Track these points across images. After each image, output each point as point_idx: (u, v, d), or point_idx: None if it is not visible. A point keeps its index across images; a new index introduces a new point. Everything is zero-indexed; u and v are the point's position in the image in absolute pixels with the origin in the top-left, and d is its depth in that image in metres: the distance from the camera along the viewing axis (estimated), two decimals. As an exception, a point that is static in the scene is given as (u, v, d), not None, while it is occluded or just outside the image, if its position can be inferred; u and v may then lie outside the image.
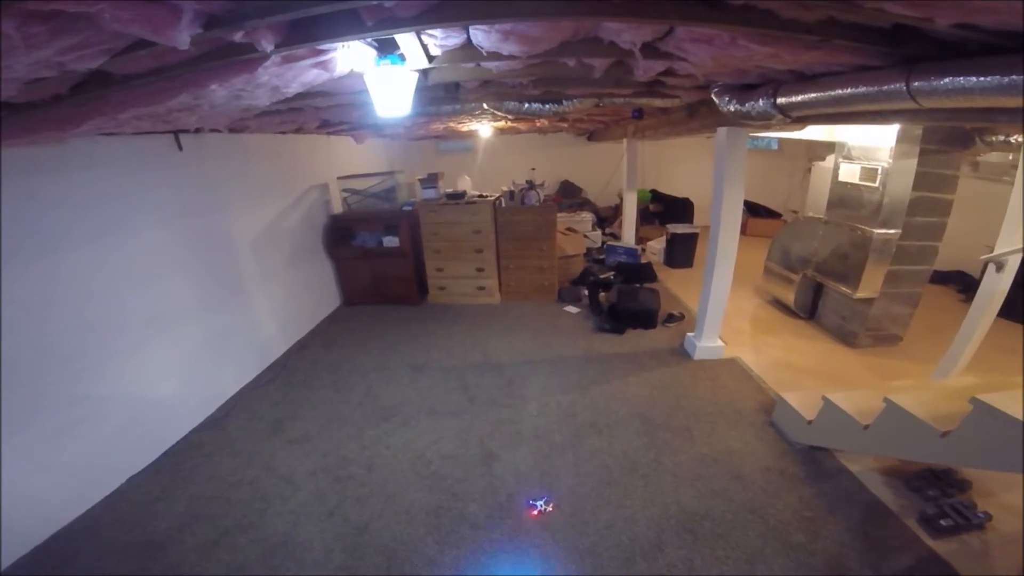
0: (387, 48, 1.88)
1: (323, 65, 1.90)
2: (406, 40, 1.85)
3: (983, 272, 2.97)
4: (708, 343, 4.08)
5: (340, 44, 1.75)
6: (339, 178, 5.70)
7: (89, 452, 2.72)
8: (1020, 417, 1.70)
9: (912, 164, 3.69)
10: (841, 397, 2.62)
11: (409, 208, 5.67)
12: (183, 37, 1.18)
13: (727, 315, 4.11)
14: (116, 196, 2.94)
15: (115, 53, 1.35)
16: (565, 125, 6.44)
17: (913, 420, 2.13)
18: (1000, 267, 2.82)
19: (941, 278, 5.65)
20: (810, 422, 2.79)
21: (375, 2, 1.25)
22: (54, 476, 2.55)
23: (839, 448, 2.80)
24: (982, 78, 1.36)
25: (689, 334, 4.31)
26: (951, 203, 3.85)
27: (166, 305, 3.29)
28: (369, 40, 1.77)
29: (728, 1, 1.25)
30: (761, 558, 2.21)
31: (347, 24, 1.49)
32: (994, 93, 1.36)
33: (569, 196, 9.03)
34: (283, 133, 4.59)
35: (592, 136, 8.31)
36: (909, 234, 3.86)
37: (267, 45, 1.47)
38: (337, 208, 5.76)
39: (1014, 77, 1.28)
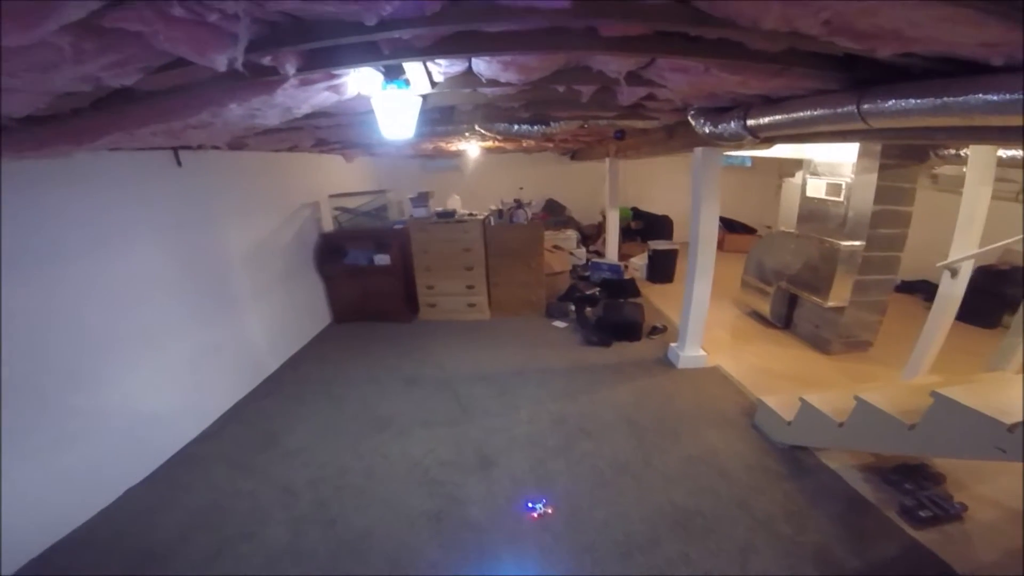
0: (394, 73, 2.02)
1: (335, 88, 2.04)
2: (412, 66, 2.00)
3: (941, 279, 3.22)
4: (691, 352, 4.26)
5: (352, 69, 1.89)
6: (330, 196, 5.80)
7: (86, 464, 2.73)
8: (977, 407, 1.88)
9: (873, 179, 3.98)
10: (817, 398, 2.81)
11: (400, 226, 5.79)
12: (223, 59, 1.31)
13: (708, 326, 4.30)
14: (115, 210, 3.01)
15: (151, 71, 1.45)
16: (551, 145, 6.69)
17: (882, 415, 2.31)
18: (954, 273, 3.07)
19: (908, 287, 5.98)
20: (789, 423, 2.97)
21: (396, 35, 1.39)
22: (52, 487, 2.55)
23: (818, 446, 2.97)
24: (920, 100, 1.57)
25: (672, 345, 4.49)
26: (910, 215, 4.15)
27: (162, 319, 3.33)
28: (378, 66, 1.92)
29: (704, 35, 1.44)
30: (752, 549, 2.34)
31: (365, 52, 1.63)
32: (930, 113, 1.56)
33: (554, 214, 9.27)
34: (277, 151, 4.71)
35: (575, 155, 8.59)
36: (873, 245, 4.13)
37: (290, 68, 1.61)
38: (328, 226, 5.86)
39: (946, 99, 1.49)
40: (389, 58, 1.67)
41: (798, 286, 4.72)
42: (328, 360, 4.85)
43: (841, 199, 4.16)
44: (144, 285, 3.20)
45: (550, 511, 2.66)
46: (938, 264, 3.17)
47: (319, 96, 2.11)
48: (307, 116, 2.68)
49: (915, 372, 3.36)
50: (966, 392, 2.01)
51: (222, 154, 3.94)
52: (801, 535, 2.41)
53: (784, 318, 5.08)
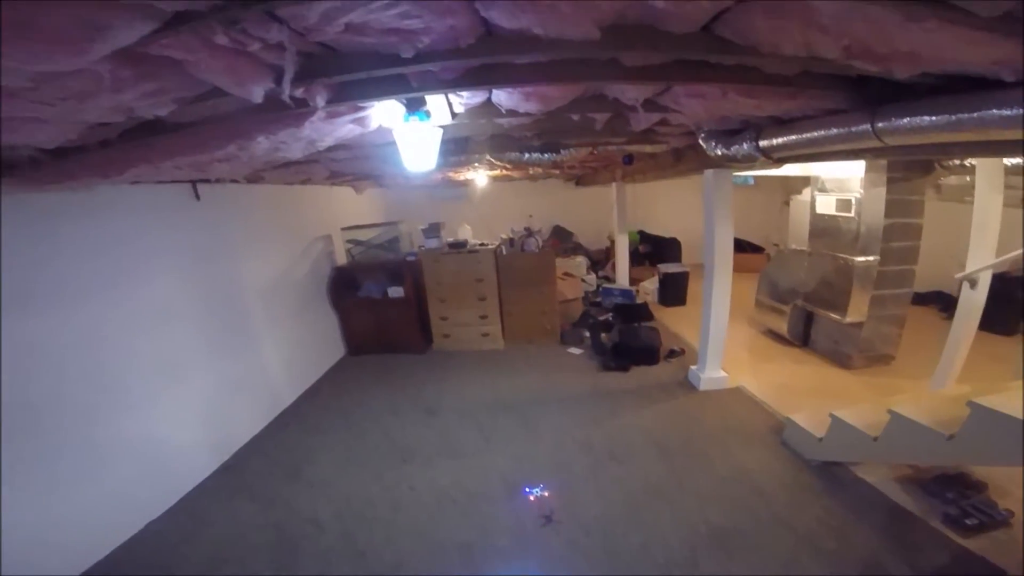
0: (415, 105, 2.07)
1: (359, 121, 2.10)
2: (434, 98, 2.06)
3: (959, 290, 3.21)
4: (712, 374, 4.23)
5: (377, 101, 1.95)
6: (343, 229, 5.89)
7: (107, 496, 2.72)
8: (1016, 415, 1.87)
9: (881, 192, 4.01)
10: (847, 413, 2.78)
11: (412, 258, 5.85)
12: (260, 91, 1.35)
13: (726, 347, 4.27)
14: (134, 243, 3.07)
15: (185, 102, 1.48)
16: (558, 172, 6.79)
17: (919, 427, 2.28)
18: (973, 284, 3.07)
19: (922, 299, 5.95)
20: (820, 439, 2.93)
21: (428, 67, 1.45)
22: (73, 520, 2.53)
23: (853, 460, 2.92)
24: (935, 117, 1.61)
25: (692, 367, 4.46)
26: (921, 227, 4.17)
27: (180, 351, 3.37)
28: (401, 98, 1.97)
29: (722, 61, 1.49)
30: (796, 565, 2.30)
31: (392, 84, 1.68)
32: (945, 129, 1.60)
33: (561, 240, 9.34)
34: (290, 184, 4.82)
35: (580, 181, 8.69)
36: (887, 259, 4.13)
37: (320, 101, 1.65)
38: (341, 259, 5.93)
39: (960, 115, 1.53)
40: (416, 90, 1.72)
41: (814, 303, 4.71)
42: (345, 392, 4.84)
43: (852, 214, 4.19)
44: (163, 317, 3.24)
45: (547, 495, 2.83)
46: (957, 276, 3.17)
47: (343, 129, 2.17)
48: (327, 149, 2.76)
49: (943, 382, 3.33)
50: (1003, 401, 1.99)
51: (239, 187, 4.02)
52: (846, 549, 2.37)
53: (802, 335, 5.04)
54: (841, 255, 4.30)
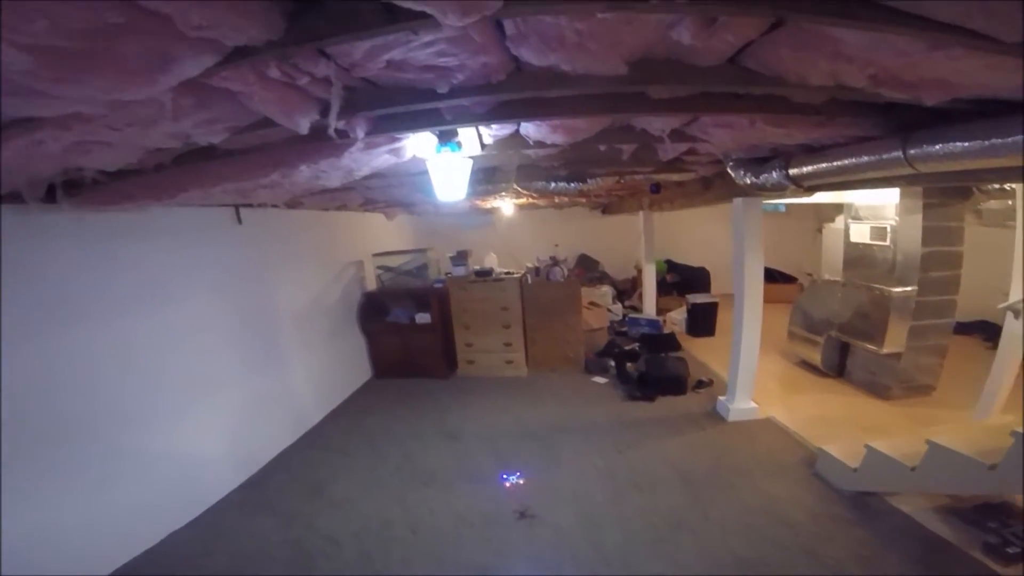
0: (447, 136, 2.16)
1: (395, 151, 2.20)
2: (465, 129, 2.14)
3: (1003, 319, 3.09)
4: (741, 405, 4.12)
5: (412, 133, 2.04)
6: (374, 255, 6.05)
7: (132, 504, 2.78)
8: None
9: (918, 220, 3.91)
10: (884, 444, 2.68)
11: (439, 285, 5.95)
12: (306, 122, 1.44)
13: (757, 378, 4.17)
14: (179, 263, 3.25)
15: (236, 131, 1.58)
16: (584, 200, 6.85)
17: (959, 457, 2.20)
18: (1018, 314, 2.95)
19: (965, 328, 5.71)
20: (855, 469, 2.82)
21: (463, 102, 1.52)
22: (97, 525, 2.60)
23: (889, 490, 2.81)
24: (968, 143, 1.59)
25: (721, 398, 4.35)
26: (961, 255, 4.02)
27: (214, 368, 3.49)
28: (435, 129, 2.06)
29: (750, 92, 1.52)
30: None
31: (427, 117, 1.77)
32: (979, 155, 1.58)
33: (587, 269, 9.30)
34: (327, 209, 5.00)
35: (606, 209, 8.71)
36: (926, 289, 3.99)
37: (360, 132, 1.74)
38: (371, 284, 6.07)
39: (994, 140, 1.51)
40: (449, 123, 1.80)
41: (850, 334, 4.57)
42: (370, 414, 4.89)
43: (887, 243, 4.09)
44: (201, 335, 3.39)
45: (522, 482, 2.94)
46: (999, 306, 3.05)
47: (380, 159, 2.27)
48: (363, 177, 2.88)
49: (986, 413, 3.19)
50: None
51: (278, 212, 4.21)
52: (879, 579, 2.25)
53: (837, 366, 4.88)
54: (877, 286, 4.19)
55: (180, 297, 3.24)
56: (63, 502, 2.44)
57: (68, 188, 2.07)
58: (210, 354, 3.48)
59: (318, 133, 1.63)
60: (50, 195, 2.06)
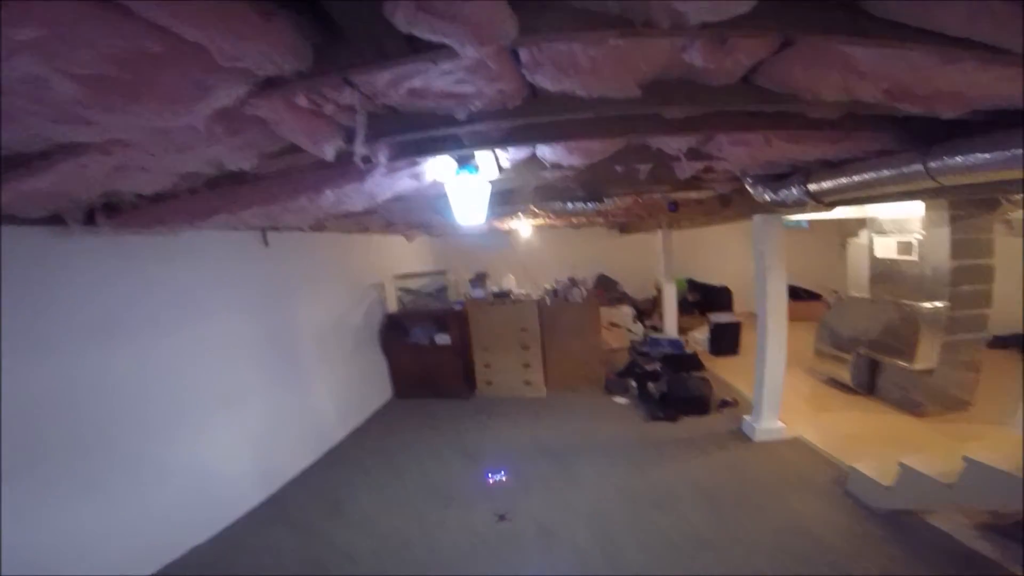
0: (465, 160, 2.22)
1: (416, 175, 2.27)
2: (482, 153, 2.20)
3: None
4: (767, 424, 4.02)
5: (432, 157, 2.10)
6: (395, 277, 6.16)
7: (159, 518, 2.84)
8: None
9: (945, 233, 3.82)
10: (918, 460, 2.60)
11: (459, 306, 6.01)
12: (332, 149, 1.49)
13: (783, 397, 4.08)
14: (209, 283, 3.37)
15: (265, 157, 1.66)
16: (601, 220, 6.87)
17: (997, 473, 2.11)
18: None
19: (1003, 342, 5.54)
20: (888, 487, 2.73)
21: (479, 127, 1.57)
22: (122, 538, 2.63)
23: (924, 508, 2.71)
24: (990, 154, 1.57)
25: (746, 417, 4.25)
26: (992, 268, 3.90)
27: (240, 386, 3.58)
28: (454, 154, 2.12)
29: (764, 109, 1.53)
30: None
31: (446, 142, 1.83)
32: (1003, 166, 1.55)
33: (606, 290, 9.21)
34: (349, 232, 5.12)
35: (624, 228, 8.68)
36: (957, 303, 3.88)
37: (383, 158, 1.80)
38: (392, 306, 6.17)
39: (1016, 150, 1.49)
40: (467, 147, 1.85)
41: (879, 351, 4.45)
42: (391, 433, 4.92)
43: (914, 257, 4.00)
44: (228, 354, 3.49)
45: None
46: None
47: (401, 183, 2.34)
48: (385, 201, 2.95)
49: (1024, 427, 3.04)
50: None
51: (303, 235, 4.33)
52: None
53: (867, 383, 4.73)
54: (906, 302, 4.08)
55: (209, 317, 3.34)
56: (90, 512, 2.49)
57: (107, 211, 2.18)
58: (237, 373, 3.57)
59: (342, 159, 1.68)
60: (90, 218, 2.18)
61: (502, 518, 3.17)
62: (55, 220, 2.14)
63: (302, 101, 1.23)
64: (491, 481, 2.91)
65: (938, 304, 3.88)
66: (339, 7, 0.88)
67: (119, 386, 2.71)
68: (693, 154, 2.18)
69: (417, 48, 0.98)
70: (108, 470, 2.62)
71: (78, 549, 2.42)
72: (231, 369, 3.52)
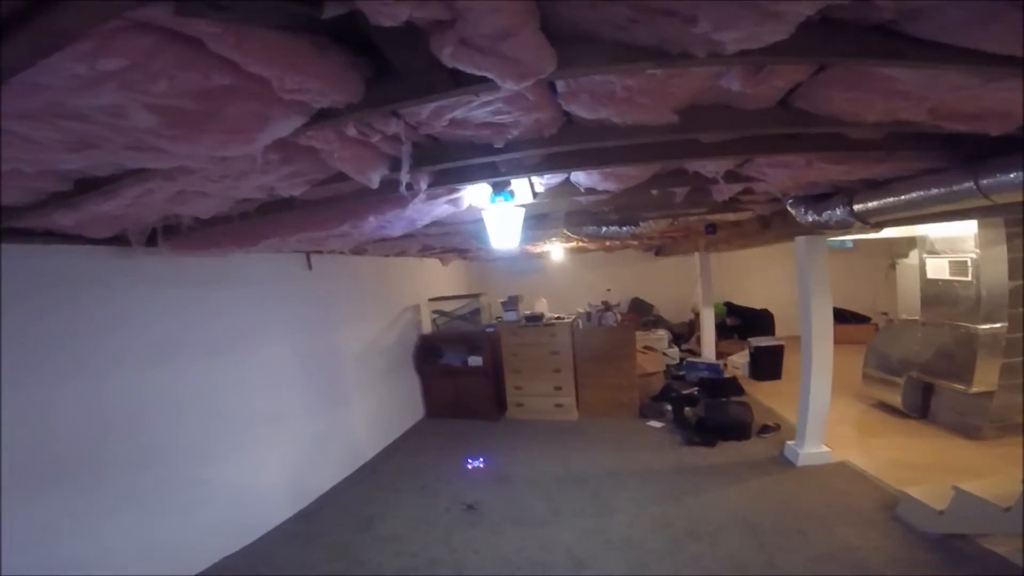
0: (501, 187, 2.27)
1: (453, 202, 2.33)
2: (517, 180, 2.24)
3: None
4: (812, 449, 3.85)
5: (469, 184, 2.16)
6: (430, 300, 6.28)
7: (194, 528, 2.94)
8: None
9: (1002, 251, 3.64)
10: (973, 485, 2.45)
11: (491, 329, 6.05)
12: (377, 177, 1.56)
13: (829, 422, 3.91)
14: (257, 305, 3.54)
15: (314, 184, 1.75)
16: (636, 243, 6.82)
17: None
18: None
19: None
20: (941, 512, 2.58)
21: (516, 155, 1.61)
22: (166, 545, 2.75)
23: (979, 532, 2.54)
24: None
25: (789, 442, 4.08)
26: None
27: (279, 404, 3.69)
28: (490, 180, 2.17)
29: (802, 132, 1.52)
30: None
31: (483, 170, 1.88)
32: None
33: (641, 313, 9.04)
34: (387, 256, 5.26)
35: (660, 251, 8.56)
36: (1018, 325, 3.67)
37: (423, 185, 1.88)
38: (427, 328, 6.26)
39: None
40: (504, 174, 1.91)
41: (933, 374, 4.22)
42: (421, 452, 4.94)
43: (969, 278, 3.80)
44: (270, 373, 3.63)
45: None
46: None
47: (439, 209, 2.41)
48: (423, 226, 3.03)
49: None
50: None
51: (343, 258, 4.49)
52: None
53: (920, 407, 4.48)
54: (961, 324, 3.88)
55: (256, 337, 3.50)
56: (137, 522, 2.61)
57: (166, 233, 2.32)
58: (279, 390, 3.70)
59: (385, 186, 1.77)
60: (151, 240, 2.33)
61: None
62: (118, 241, 2.30)
63: (352, 132, 1.31)
64: (470, 467, 2.93)
65: (996, 326, 3.67)
66: (390, 43, 0.93)
67: (177, 403, 2.87)
68: (731, 176, 2.16)
69: (461, 81, 1.04)
70: (159, 485, 2.74)
71: (127, 554, 2.54)
72: (274, 387, 3.65)
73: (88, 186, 1.45)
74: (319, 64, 0.95)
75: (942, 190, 1.92)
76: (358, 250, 4.12)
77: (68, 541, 2.28)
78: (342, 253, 4.20)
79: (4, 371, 2.08)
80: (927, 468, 3.51)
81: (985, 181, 1.72)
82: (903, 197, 2.13)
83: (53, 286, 2.31)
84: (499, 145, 1.48)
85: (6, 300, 2.10)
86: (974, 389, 3.79)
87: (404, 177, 1.50)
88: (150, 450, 2.71)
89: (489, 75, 0.94)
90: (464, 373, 5.84)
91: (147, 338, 2.73)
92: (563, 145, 1.51)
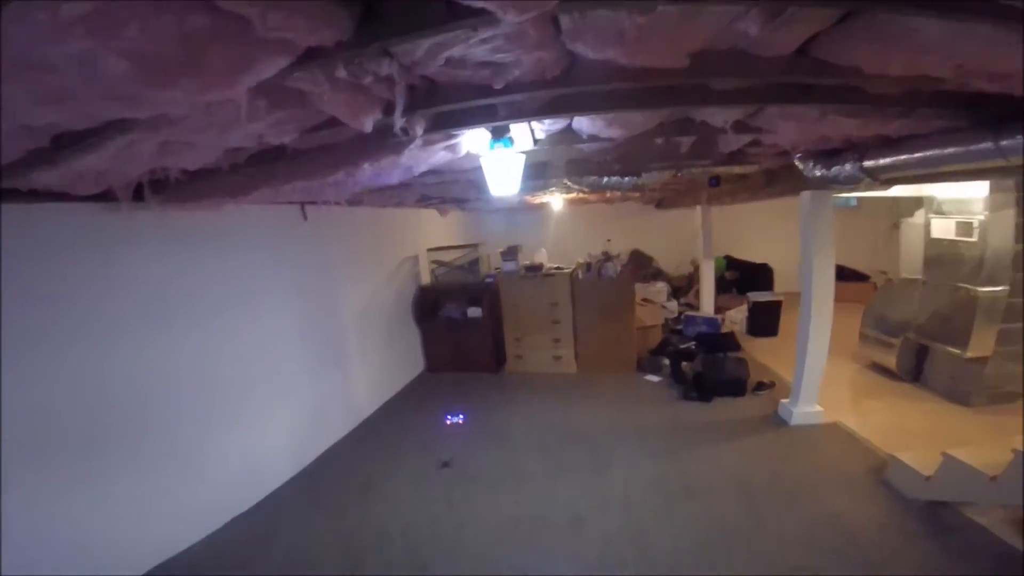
0: (500, 132, 2.18)
1: (451, 148, 2.24)
2: (517, 125, 2.14)
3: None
4: (806, 408, 3.92)
5: (467, 130, 2.07)
6: (429, 250, 6.20)
7: (207, 491, 3.02)
8: None
9: (1011, 215, 3.58)
10: (962, 452, 2.49)
11: (491, 280, 6.02)
12: (371, 121, 1.48)
13: (824, 381, 3.96)
14: (251, 259, 3.46)
15: (305, 131, 1.66)
16: (637, 195, 6.70)
17: None
18: None
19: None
20: (928, 477, 2.64)
21: (514, 98, 1.53)
22: (176, 509, 2.81)
23: (964, 500, 2.61)
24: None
25: (783, 401, 4.15)
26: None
27: (279, 363, 3.69)
28: (489, 126, 2.07)
29: (819, 83, 1.44)
30: None
31: (482, 114, 1.79)
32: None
33: (640, 265, 9.01)
34: (384, 206, 5.16)
35: (661, 203, 8.43)
36: (1019, 290, 3.64)
37: (419, 130, 1.79)
38: (426, 279, 6.23)
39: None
40: (503, 119, 1.81)
41: (929, 336, 4.25)
42: (420, 408, 4.98)
43: (974, 239, 3.75)
44: (269, 331, 3.60)
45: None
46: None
47: (436, 156, 2.32)
48: (420, 174, 2.94)
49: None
50: None
51: (340, 209, 4.35)
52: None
53: (913, 371, 4.54)
54: (962, 285, 3.86)
55: (252, 295, 3.45)
56: (142, 490, 2.65)
57: (154, 187, 2.24)
58: (278, 348, 3.68)
59: (379, 132, 1.68)
60: (137, 194, 2.25)
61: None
62: (105, 197, 2.22)
63: (342, 73, 1.22)
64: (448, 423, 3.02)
65: (997, 289, 3.65)
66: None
67: (176, 366, 2.86)
68: (740, 127, 2.07)
69: (457, 15, 0.96)
70: (161, 451, 2.77)
71: (136, 516, 2.61)
72: (273, 345, 3.63)
73: (69, 141, 1.38)
74: (304, -1, 0.87)
75: (959, 149, 1.85)
76: (355, 200, 4.01)
77: (72, 508, 2.31)
78: (338, 204, 4.10)
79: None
80: (917, 433, 3.58)
81: (1006, 142, 1.65)
82: (917, 155, 2.05)
83: (43, 247, 2.27)
84: (498, 86, 1.39)
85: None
86: (969, 354, 3.81)
87: (399, 121, 1.42)
88: (151, 416, 2.72)
89: (488, 7, 0.86)
90: (463, 324, 5.86)
91: (142, 299, 2.69)
92: (566, 87, 1.42)
